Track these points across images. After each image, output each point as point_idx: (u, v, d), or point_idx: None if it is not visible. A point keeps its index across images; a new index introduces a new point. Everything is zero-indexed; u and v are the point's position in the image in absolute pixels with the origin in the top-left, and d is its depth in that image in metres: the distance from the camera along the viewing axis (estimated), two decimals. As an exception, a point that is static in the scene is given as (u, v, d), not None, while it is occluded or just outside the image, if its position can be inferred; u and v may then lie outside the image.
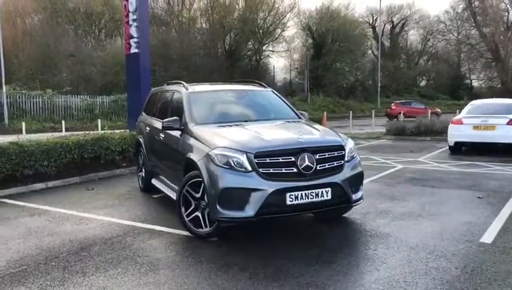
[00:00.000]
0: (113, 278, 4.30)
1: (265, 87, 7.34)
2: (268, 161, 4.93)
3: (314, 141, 5.38)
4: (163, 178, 7.17)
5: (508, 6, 52.21)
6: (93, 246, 5.23)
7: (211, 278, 4.21)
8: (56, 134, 13.34)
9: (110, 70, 35.19)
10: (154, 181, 7.54)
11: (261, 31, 48.46)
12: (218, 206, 4.95)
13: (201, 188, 5.24)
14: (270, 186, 4.85)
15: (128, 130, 12.32)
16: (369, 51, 59.54)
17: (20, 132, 18.30)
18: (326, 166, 5.14)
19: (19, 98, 26.89)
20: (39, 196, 8.09)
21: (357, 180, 5.48)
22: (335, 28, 49.78)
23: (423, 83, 62.48)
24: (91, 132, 12.38)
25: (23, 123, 19.90)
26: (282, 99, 7.06)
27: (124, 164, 10.61)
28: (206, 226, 5.29)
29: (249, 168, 4.90)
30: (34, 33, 38.78)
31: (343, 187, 5.21)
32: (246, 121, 6.07)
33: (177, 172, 6.09)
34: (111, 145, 10.26)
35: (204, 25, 48.05)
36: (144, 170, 8.12)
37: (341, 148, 5.37)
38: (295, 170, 4.96)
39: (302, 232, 5.67)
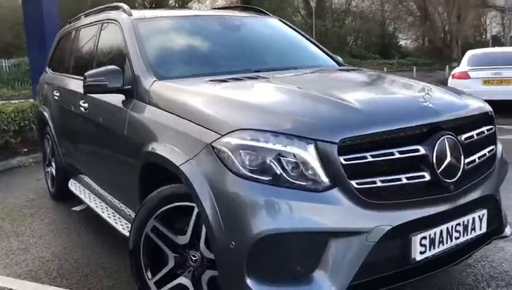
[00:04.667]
0: None
1: (267, 14, 4.23)
2: (370, 158, 1.98)
3: (456, 105, 2.41)
4: (90, 182, 4.01)
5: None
6: None
7: None
8: None
9: (10, 30, 29.82)
10: (72, 185, 4.32)
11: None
12: (247, 277, 1.96)
13: (192, 222, 2.23)
14: (380, 222, 1.95)
15: (32, 100, 8.83)
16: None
17: None
18: (477, 161, 2.30)
19: None
20: None
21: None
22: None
23: (351, 43, 61.35)
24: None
25: None
26: (299, 32, 4.05)
27: (25, 149, 7.14)
28: (206, 311, 2.29)
29: (324, 180, 1.94)
30: None
31: (499, 204, 2.43)
32: (259, 71, 3.03)
33: (122, 180, 3.01)
34: (1, 122, 6.74)
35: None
36: (53, 164, 4.86)
37: (490, 120, 2.51)
38: (427, 177, 2.07)
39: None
